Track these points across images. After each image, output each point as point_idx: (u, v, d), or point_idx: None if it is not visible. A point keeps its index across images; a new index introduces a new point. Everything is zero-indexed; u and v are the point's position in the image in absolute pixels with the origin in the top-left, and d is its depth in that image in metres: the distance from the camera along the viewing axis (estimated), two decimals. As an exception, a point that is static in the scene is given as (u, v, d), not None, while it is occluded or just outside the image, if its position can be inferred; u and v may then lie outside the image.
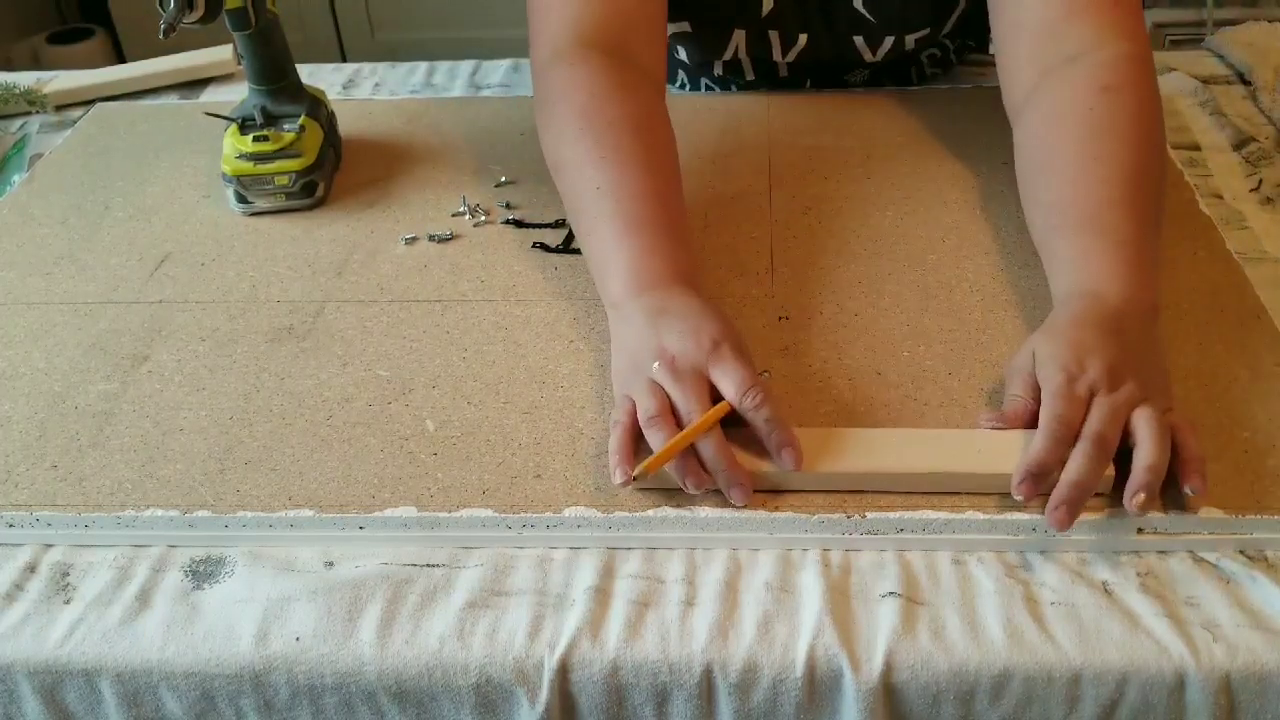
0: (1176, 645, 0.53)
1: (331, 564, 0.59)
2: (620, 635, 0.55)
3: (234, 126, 0.86)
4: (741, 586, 0.57)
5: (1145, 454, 0.56)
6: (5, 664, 0.56)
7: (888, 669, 0.54)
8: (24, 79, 1.08)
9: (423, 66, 1.12)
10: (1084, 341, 0.60)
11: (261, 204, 0.86)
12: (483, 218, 0.84)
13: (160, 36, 0.67)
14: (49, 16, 2.63)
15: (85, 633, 0.56)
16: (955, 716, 0.55)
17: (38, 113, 1.05)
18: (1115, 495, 0.58)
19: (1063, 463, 0.56)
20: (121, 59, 2.50)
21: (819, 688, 0.54)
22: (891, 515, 0.58)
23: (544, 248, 0.80)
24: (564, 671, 0.55)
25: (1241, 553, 0.58)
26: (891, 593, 0.57)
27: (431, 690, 0.55)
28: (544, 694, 0.55)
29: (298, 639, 0.56)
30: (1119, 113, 0.70)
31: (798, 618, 0.56)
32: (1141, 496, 0.55)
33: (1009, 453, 0.58)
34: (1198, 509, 0.57)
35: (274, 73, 0.87)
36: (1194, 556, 0.58)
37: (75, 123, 1.01)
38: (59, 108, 1.06)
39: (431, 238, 0.82)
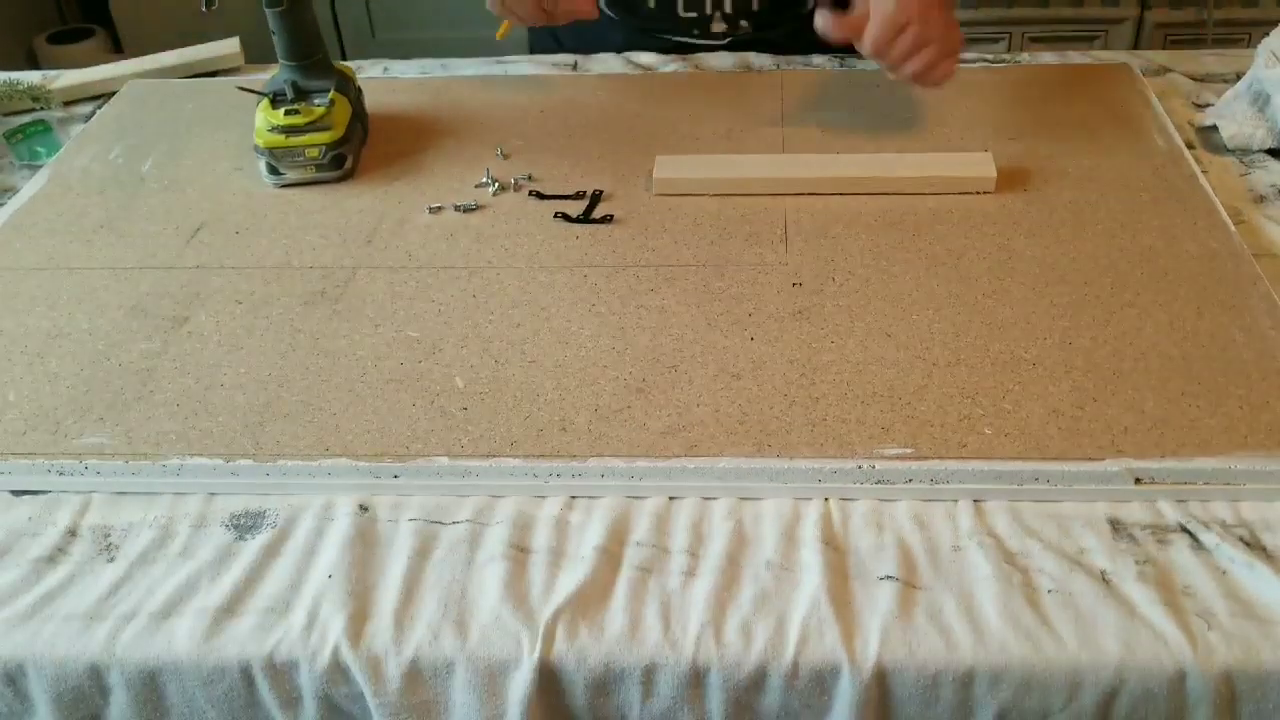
0: (1174, 634, 0.54)
1: (366, 509, 0.62)
2: (620, 605, 0.56)
3: (266, 101, 0.88)
4: (743, 562, 0.58)
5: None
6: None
7: (884, 652, 0.54)
8: (29, 77, 1.08)
9: (427, 63, 1.13)
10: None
11: (292, 175, 0.88)
12: (507, 189, 0.87)
13: (202, 9, 0.70)
14: (49, 16, 2.62)
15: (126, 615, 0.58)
16: (953, 702, 0.55)
17: (41, 109, 1.05)
18: (1115, 446, 0.61)
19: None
20: (122, 59, 2.49)
21: (814, 669, 0.55)
22: (900, 465, 0.61)
23: (565, 218, 0.83)
24: (557, 635, 0.56)
25: (1241, 540, 0.58)
26: (889, 576, 0.57)
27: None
28: (538, 653, 0.55)
29: (325, 601, 0.58)
30: None
31: (795, 597, 0.56)
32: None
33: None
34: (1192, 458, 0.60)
35: (305, 48, 0.89)
36: (1192, 546, 0.58)
37: (85, 117, 1.02)
38: (66, 103, 1.06)
39: (457, 208, 0.85)
